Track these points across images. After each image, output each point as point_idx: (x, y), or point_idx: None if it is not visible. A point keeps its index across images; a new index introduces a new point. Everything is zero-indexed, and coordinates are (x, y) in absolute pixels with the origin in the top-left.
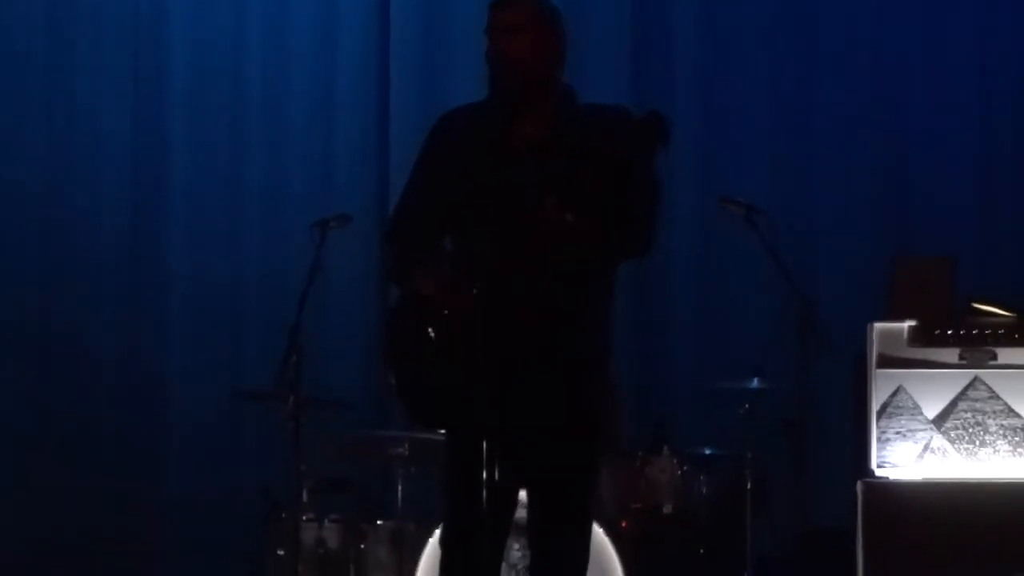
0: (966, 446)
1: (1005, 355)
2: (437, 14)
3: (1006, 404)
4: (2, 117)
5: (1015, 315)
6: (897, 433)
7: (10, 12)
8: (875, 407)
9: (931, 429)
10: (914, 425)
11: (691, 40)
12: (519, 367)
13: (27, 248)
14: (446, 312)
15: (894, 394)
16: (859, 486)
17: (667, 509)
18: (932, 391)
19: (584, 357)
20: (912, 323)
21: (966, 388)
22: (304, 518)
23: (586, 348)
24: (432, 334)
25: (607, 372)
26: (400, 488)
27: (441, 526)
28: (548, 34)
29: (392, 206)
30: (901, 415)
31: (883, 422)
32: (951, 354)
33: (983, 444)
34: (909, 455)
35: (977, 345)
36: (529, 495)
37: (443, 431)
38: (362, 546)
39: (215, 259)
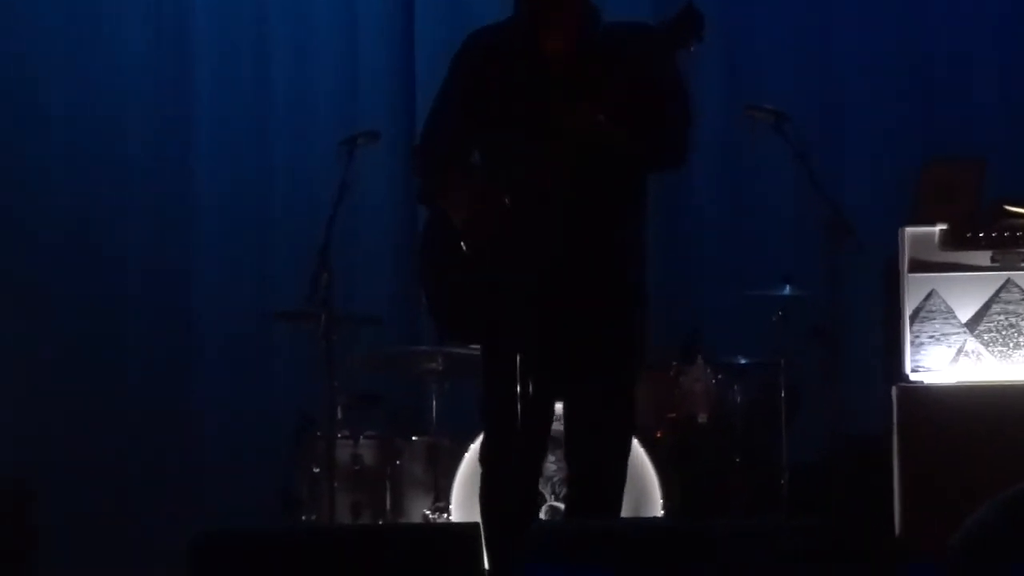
0: (1000, 348)
1: None
2: None
3: None
4: (27, 39)
5: None
6: (931, 337)
7: None
8: (908, 312)
9: (964, 332)
10: (947, 329)
11: None
12: (552, 279)
13: (53, 172)
14: (478, 225)
15: (927, 298)
16: (894, 391)
17: (702, 419)
18: (965, 294)
19: (618, 268)
20: (943, 227)
21: (999, 291)
22: (339, 436)
23: (620, 260)
24: (464, 248)
25: (642, 285)
26: (434, 404)
27: (479, 441)
28: None
29: (420, 123)
30: (934, 319)
31: (916, 327)
32: (983, 257)
33: (1017, 346)
34: (943, 359)
35: (1009, 247)
36: (565, 407)
37: (477, 346)
38: (397, 462)
39: (243, 177)
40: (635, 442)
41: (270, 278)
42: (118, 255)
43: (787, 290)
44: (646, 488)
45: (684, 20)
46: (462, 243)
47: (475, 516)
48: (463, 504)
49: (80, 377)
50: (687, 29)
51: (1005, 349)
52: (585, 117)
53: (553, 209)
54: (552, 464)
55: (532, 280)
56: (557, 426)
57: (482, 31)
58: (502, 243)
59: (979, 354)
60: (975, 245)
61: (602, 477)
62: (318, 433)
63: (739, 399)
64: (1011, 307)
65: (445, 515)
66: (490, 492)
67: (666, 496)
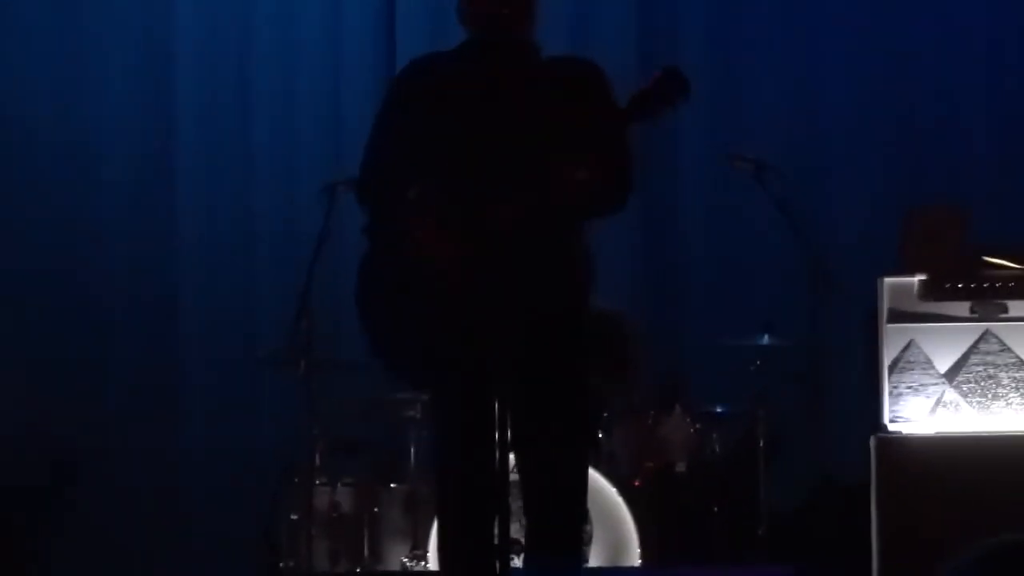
0: (978, 400)
1: (1016, 308)
2: None
3: (1018, 357)
4: (11, 74)
5: None
6: (909, 388)
7: None
8: (887, 362)
9: (943, 383)
10: (926, 379)
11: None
12: (519, 316)
13: (36, 211)
14: (441, 260)
15: (905, 348)
16: (872, 441)
17: (680, 467)
18: (944, 345)
19: (572, 291)
20: (923, 277)
21: (977, 341)
22: (317, 482)
23: (580, 286)
24: (424, 284)
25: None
26: (413, 451)
27: (438, 500)
28: None
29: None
30: (913, 369)
31: (895, 377)
32: (962, 307)
33: (995, 397)
34: (922, 410)
35: (988, 298)
36: (516, 418)
37: (433, 390)
38: (376, 509)
39: (225, 221)
40: (613, 491)
41: (251, 322)
42: (99, 297)
43: (767, 339)
44: (624, 537)
45: (669, 80)
46: (421, 279)
47: None
48: None
49: (60, 419)
50: (672, 89)
51: (983, 400)
52: (572, 178)
53: (519, 243)
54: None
55: (502, 318)
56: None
57: (424, 59)
58: (468, 279)
59: (957, 405)
60: (954, 296)
61: (560, 501)
62: (296, 479)
63: (718, 448)
64: (990, 358)
65: (423, 563)
66: (456, 553)
67: (644, 545)
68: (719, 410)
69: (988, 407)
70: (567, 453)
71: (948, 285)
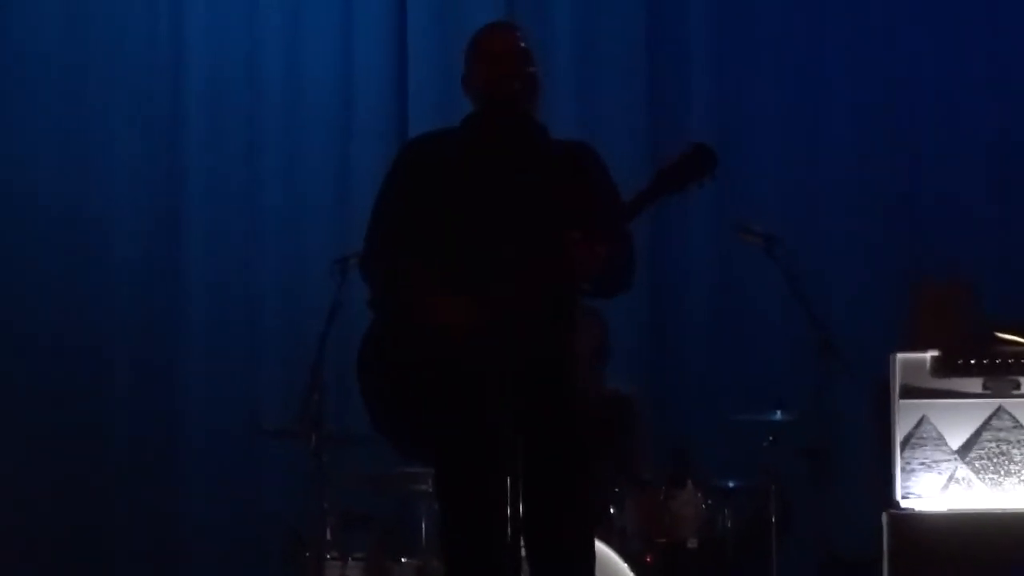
0: (991, 476)
1: None
2: (453, 46)
3: None
4: (20, 140)
5: None
6: (921, 464)
7: (25, 41)
8: (899, 438)
9: (955, 459)
10: (938, 456)
11: (705, 73)
12: (528, 390)
13: (43, 276)
14: (451, 333)
15: (918, 425)
16: (884, 518)
17: (692, 543)
18: (956, 421)
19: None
20: (935, 353)
21: (990, 418)
22: (328, 556)
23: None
24: (430, 357)
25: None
26: (424, 525)
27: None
28: (536, 66)
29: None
30: (925, 446)
31: (907, 453)
32: (974, 383)
33: (1008, 474)
34: (934, 486)
35: (1000, 374)
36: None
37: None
38: None
39: (233, 291)
40: (624, 566)
41: (260, 392)
42: (102, 364)
43: (778, 414)
44: None
45: (697, 156)
46: (430, 352)
47: None
48: None
49: (62, 491)
50: (700, 164)
51: (996, 477)
52: (592, 256)
53: (525, 315)
54: None
55: (512, 387)
56: None
57: (426, 137)
58: (476, 351)
59: (970, 481)
60: (966, 372)
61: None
62: (307, 553)
63: (729, 523)
64: (1002, 434)
65: None
66: None
67: None
68: (730, 485)
69: (1001, 483)
70: (575, 529)
71: (961, 361)
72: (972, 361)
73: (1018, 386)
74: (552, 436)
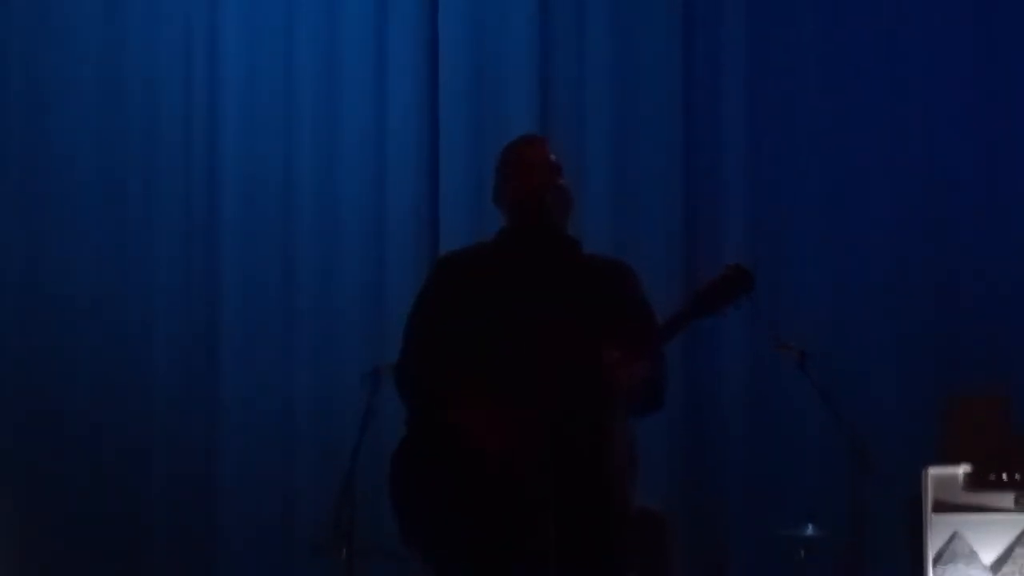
0: None
1: None
2: (485, 159)
3: None
4: (59, 248)
5: None
6: None
7: (64, 148)
8: (931, 554)
9: (988, 575)
10: (972, 571)
11: (741, 186)
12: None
13: (80, 384)
14: (486, 456)
15: (950, 540)
16: None
17: None
18: (989, 536)
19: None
20: (967, 468)
21: (1023, 533)
22: None
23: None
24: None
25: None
26: None
27: None
28: (566, 178)
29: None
30: (958, 561)
31: (939, 568)
32: (1007, 499)
33: None
34: None
35: None
36: None
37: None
38: None
39: (268, 403)
40: None
41: (293, 504)
42: (137, 475)
43: (810, 529)
44: None
45: (733, 278)
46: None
47: None
48: None
49: None
50: (736, 287)
51: None
52: (631, 376)
53: (565, 435)
54: None
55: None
56: None
57: (457, 253)
58: (518, 467)
59: None
60: (999, 487)
61: None
62: None
63: None
64: None
65: None
66: None
67: None
68: None
69: None
70: None
71: (993, 476)
72: (1004, 476)
73: None
74: (585, 556)
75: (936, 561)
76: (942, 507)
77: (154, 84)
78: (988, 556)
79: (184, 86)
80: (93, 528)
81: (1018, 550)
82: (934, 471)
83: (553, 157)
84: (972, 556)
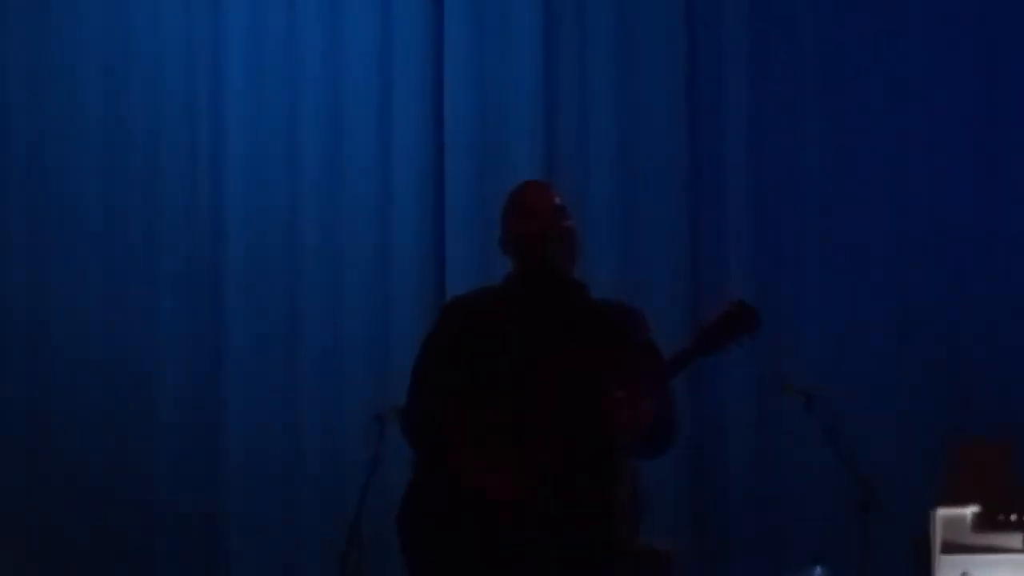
0: None
1: None
2: (491, 202)
3: None
4: (63, 294)
5: None
6: None
7: (67, 192)
8: None
9: None
10: None
11: (746, 225)
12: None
13: (85, 426)
14: (493, 506)
15: None
16: None
17: None
18: None
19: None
20: (975, 509)
21: None
22: None
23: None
24: (469, 519)
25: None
26: None
27: None
28: (572, 219)
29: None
30: None
31: None
32: (1015, 539)
33: None
34: None
35: None
36: None
37: None
38: None
39: (273, 448)
40: None
41: (299, 549)
42: (141, 515)
43: (817, 571)
44: None
45: (738, 315)
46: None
47: None
48: None
49: None
50: (741, 324)
51: None
52: (637, 416)
53: (571, 483)
54: None
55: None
56: None
57: (463, 298)
58: (521, 519)
59: None
60: (1007, 527)
61: None
62: None
63: None
64: None
65: None
66: None
67: None
68: None
69: None
70: None
71: (1001, 517)
72: (1012, 517)
73: None
74: None
75: None
76: (950, 548)
77: (158, 122)
78: None
79: (189, 131)
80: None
81: None
82: (942, 512)
83: (558, 200)
84: None
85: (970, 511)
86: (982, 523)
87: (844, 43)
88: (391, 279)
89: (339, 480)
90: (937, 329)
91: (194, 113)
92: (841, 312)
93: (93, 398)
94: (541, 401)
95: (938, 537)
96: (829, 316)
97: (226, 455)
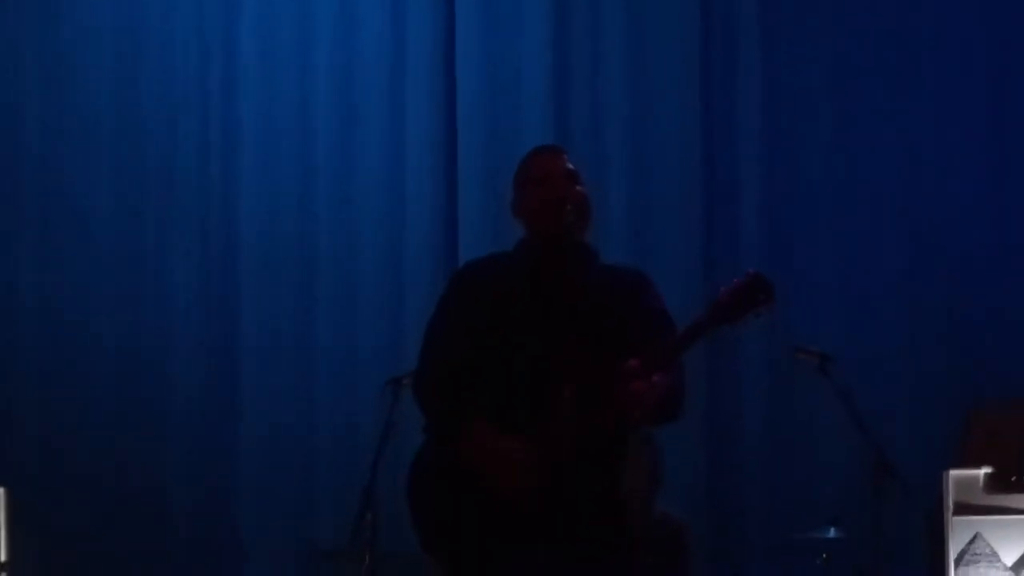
0: None
1: None
2: (502, 171)
3: None
4: (75, 274)
5: None
6: None
7: (80, 175)
8: (952, 555)
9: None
10: (992, 572)
11: (757, 191)
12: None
13: (98, 407)
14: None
15: (971, 542)
16: None
17: None
18: (1010, 537)
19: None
20: (988, 470)
21: None
22: None
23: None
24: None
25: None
26: None
27: None
28: (584, 184)
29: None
30: (979, 562)
31: (961, 570)
32: None
33: None
34: None
35: None
36: None
37: None
38: None
39: (287, 415)
40: None
41: (314, 513)
42: (157, 488)
43: (831, 531)
44: None
45: (753, 286)
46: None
47: None
48: None
49: None
50: (756, 296)
51: None
52: (649, 388)
53: (585, 453)
54: None
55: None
56: None
57: (476, 263)
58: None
59: None
60: (1020, 488)
61: None
62: None
63: None
64: None
65: None
66: None
67: None
68: None
69: None
70: None
71: (1014, 478)
72: None
73: None
74: (603, 568)
75: (957, 563)
76: (963, 509)
77: (171, 109)
78: (1010, 557)
79: (201, 116)
80: (114, 555)
81: None
82: (955, 473)
83: (570, 166)
84: (993, 556)
85: (982, 472)
86: (994, 485)
87: (857, 32)
88: (404, 244)
89: (353, 444)
90: (952, 292)
91: (207, 93)
92: (852, 278)
93: (107, 375)
94: (552, 370)
95: (950, 498)
96: (840, 282)
97: (241, 422)
